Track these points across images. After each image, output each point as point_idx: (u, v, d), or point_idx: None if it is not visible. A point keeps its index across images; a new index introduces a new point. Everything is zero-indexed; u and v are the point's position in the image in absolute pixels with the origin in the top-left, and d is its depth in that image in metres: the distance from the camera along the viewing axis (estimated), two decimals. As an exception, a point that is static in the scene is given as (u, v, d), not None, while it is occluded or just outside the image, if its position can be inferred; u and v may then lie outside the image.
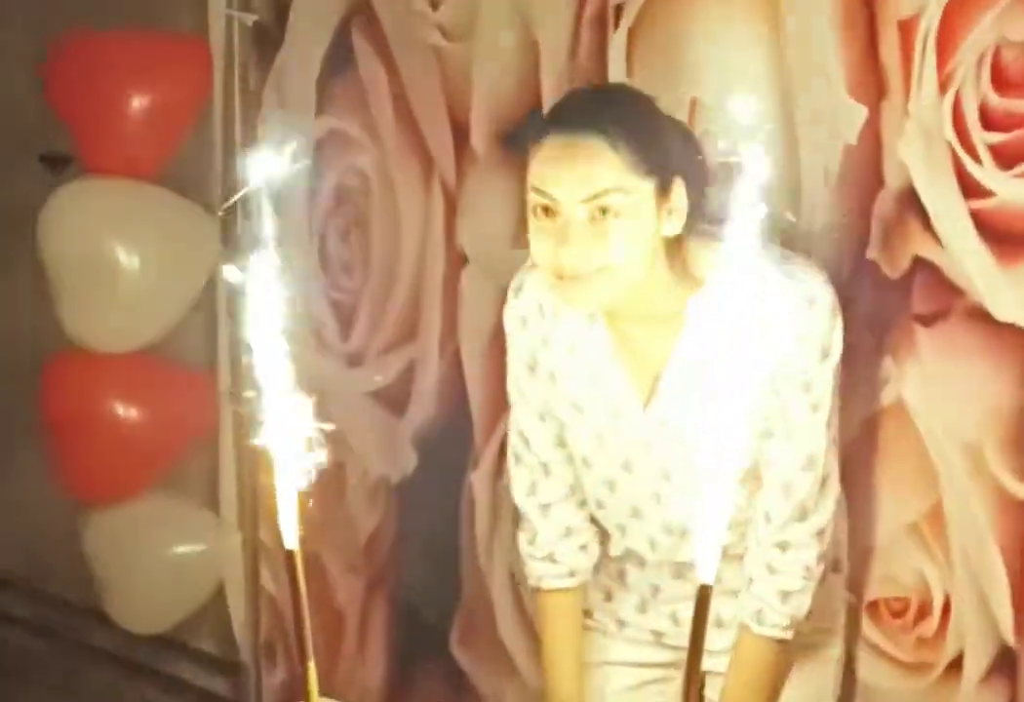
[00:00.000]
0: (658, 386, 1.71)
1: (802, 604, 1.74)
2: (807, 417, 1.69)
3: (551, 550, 1.84)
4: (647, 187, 1.59)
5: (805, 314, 1.65)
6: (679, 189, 1.62)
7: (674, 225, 1.63)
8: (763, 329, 1.60)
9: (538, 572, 1.85)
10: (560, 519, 1.84)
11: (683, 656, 1.76)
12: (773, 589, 1.74)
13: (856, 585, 2.04)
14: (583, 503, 1.84)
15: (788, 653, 1.77)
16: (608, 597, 1.89)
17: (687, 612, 1.72)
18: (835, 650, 1.88)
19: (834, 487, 1.76)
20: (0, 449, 3.36)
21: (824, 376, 1.68)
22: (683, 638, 1.75)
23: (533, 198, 1.61)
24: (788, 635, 1.75)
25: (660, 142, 1.62)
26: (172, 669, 3.11)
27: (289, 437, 1.12)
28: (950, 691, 1.96)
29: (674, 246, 1.66)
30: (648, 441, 1.73)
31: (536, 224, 1.61)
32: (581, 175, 1.57)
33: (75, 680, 3.13)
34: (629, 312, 1.70)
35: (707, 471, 1.12)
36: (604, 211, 1.58)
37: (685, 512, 1.69)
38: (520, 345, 1.79)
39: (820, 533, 1.74)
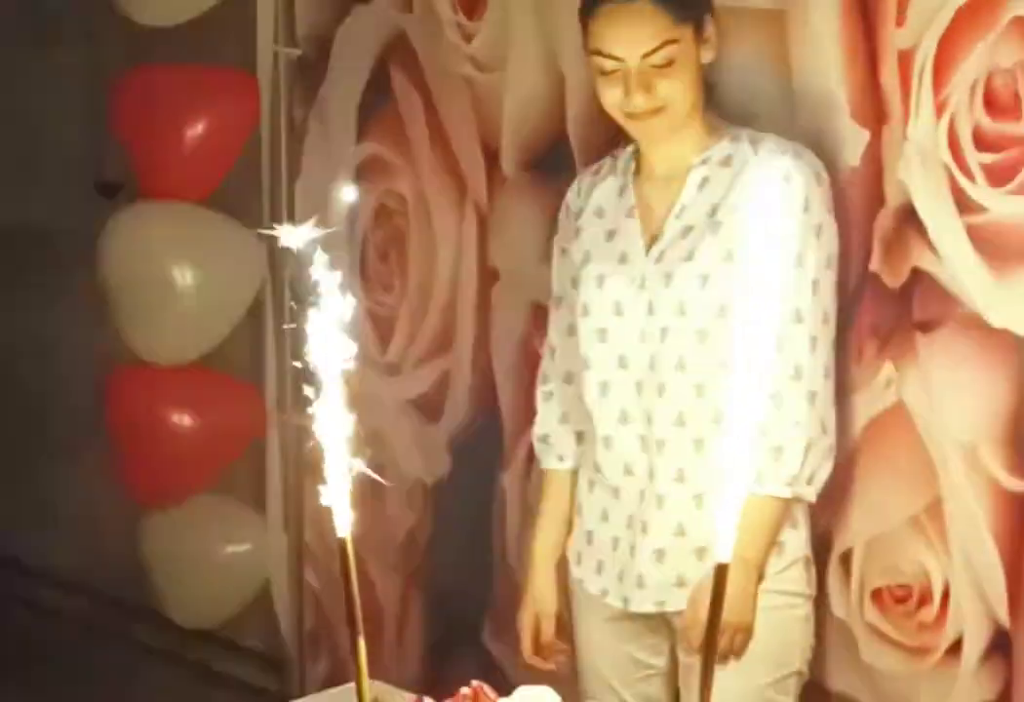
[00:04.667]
0: (662, 230, 1.92)
1: (794, 460, 1.85)
2: (789, 272, 1.84)
3: (547, 432, 2.06)
4: (689, 31, 1.87)
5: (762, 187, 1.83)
6: (710, 22, 1.90)
7: (709, 54, 1.90)
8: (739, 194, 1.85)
9: (538, 452, 2.08)
10: (559, 405, 2.05)
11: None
12: (766, 449, 1.83)
13: (862, 573, 2.09)
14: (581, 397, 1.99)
15: (789, 510, 1.88)
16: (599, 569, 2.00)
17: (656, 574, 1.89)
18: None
19: (824, 353, 1.88)
20: (65, 454, 3.39)
21: (797, 232, 1.85)
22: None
23: (597, 60, 1.87)
24: (788, 493, 1.86)
25: None
26: (219, 663, 3.14)
27: (338, 436, 1.14)
28: (951, 672, 2.01)
29: (708, 93, 1.93)
30: (643, 277, 1.92)
31: (603, 80, 1.88)
32: (639, 35, 1.84)
33: (128, 673, 3.13)
34: (663, 156, 1.93)
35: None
36: (662, 61, 1.85)
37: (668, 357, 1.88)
38: (561, 232, 2.05)
39: (812, 395, 1.87)
